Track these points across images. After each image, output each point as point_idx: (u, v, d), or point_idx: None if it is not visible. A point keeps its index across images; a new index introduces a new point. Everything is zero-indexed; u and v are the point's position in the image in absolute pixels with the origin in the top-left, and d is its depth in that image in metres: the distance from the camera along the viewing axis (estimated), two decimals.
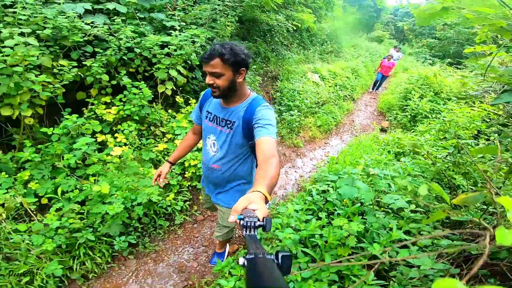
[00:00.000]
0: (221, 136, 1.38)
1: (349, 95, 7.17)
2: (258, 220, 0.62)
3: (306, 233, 1.79)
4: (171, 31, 3.09)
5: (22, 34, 1.94)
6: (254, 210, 0.66)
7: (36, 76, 1.90)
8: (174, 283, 2.06)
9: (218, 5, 3.98)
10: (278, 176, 0.96)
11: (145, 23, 3.19)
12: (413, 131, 4.84)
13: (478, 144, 3.04)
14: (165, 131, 2.93)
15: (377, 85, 8.48)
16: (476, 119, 3.64)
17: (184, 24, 3.46)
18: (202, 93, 1.54)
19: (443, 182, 2.58)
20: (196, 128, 1.62)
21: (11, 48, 1.80)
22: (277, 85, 5.55)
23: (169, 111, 3.17)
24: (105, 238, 2.10)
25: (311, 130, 4.74)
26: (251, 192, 0.77)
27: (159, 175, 1.61)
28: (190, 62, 3.08)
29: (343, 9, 15.52)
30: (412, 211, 1.94)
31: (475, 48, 1.50)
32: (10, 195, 1.81)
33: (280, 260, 0.48)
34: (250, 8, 4.83)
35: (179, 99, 3.22)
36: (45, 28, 2.12)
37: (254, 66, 5.27)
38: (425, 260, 1.31)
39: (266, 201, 0.78)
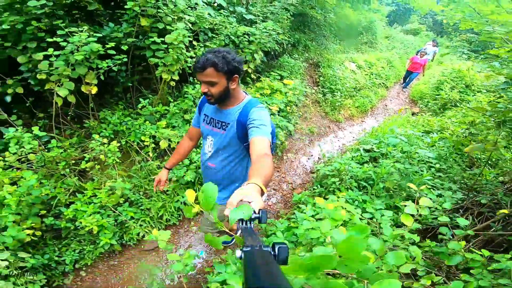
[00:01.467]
0: (216, 137, 1.45)
1: (383, 83, 7.80)
2: (254, 212, 0.62)
3: (361, 173, 2.67)
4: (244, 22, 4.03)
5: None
6: (249, 203, 0.66)
7: (186, 51, 2.93)
8: None
9: (279, 2, 4.87)
10: (272, 173, 0.97)
11: (229, 14, 4.16)
12: (442, 116, 5.50)
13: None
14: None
15: (407, 81, 7.93)
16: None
17: (258, 17, 4.39)
18: (201, 97, 1.60)
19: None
20: (192, 132, 1.69)
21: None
22: (319, 71, 6.36)
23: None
24: None
25: (350, 109, 5.57)
26: (247, 184, 0.78)
27: (158, 182, 1.70)
28: (266, 49, 4.03)
29: (379, 0, 15.58)
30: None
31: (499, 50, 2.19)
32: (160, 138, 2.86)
33: (277, 252, 0.48)
34: (301, 4, 5.66)
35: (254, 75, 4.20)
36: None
37: (296, 55, 6.11)
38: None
39: (262, 193, 0.78)
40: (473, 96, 6.19)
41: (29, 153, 2.10)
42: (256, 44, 3.86)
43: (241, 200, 0.67)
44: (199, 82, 1.06)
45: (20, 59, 2.16)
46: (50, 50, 2.07)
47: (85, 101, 2.60)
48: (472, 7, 2.15)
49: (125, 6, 2.41)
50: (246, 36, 3.77)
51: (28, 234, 1.82)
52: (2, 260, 1.65)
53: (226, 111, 1.38)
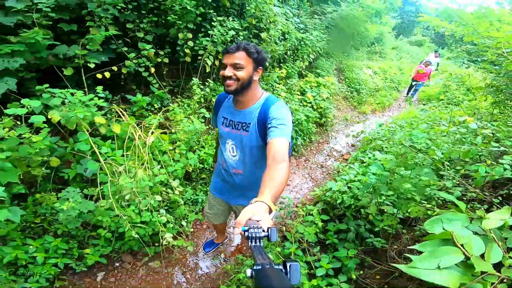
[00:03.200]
0: (238, 140, 1.37)
1: (395, 87, 9.02)
2: (263, 230, 0.62)
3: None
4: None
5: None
6: (258, 221, 0.66)
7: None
8: None
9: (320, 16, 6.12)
10: (286, 181, 0.94)
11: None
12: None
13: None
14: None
15: (412, 90, 7.99)
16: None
17: (305, 26, 5.62)
18: (215, 99, 1.55)
19: None
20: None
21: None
22: (344, 74, 7.58)
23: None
24: None
25: (372, 105, 6.76)
26: (255, 202, 0.78)
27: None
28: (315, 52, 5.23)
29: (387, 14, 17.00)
30: None
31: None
32: None
33: (288, 269, 0.48)
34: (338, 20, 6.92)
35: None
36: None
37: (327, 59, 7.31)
38: None
39: (270, 211, 0.77)
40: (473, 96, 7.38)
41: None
42: (310, 47, 5.08)
43: (249, 219, 0.67)
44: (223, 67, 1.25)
45: (181, 35, 2.92)
46: (200, 35, 3.01)
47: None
48: (471, 25, 3.33)
49: (247, 8, 3.55)
50: (303, 41, 4.99)
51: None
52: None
53: (245, 110, 1.33)
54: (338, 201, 2.33)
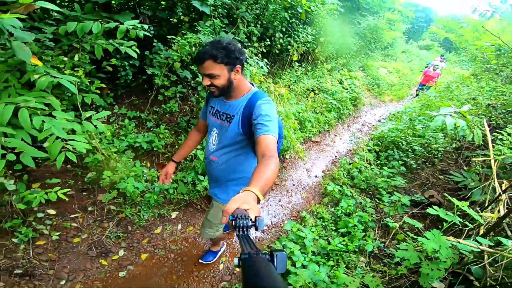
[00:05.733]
0: (221, 130, 1.40)
1: (407, 83, 10.74)
2: (251, 220, 0.62)
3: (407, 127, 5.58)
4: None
5: None
6: (246, 210, 0.67)
7: None
8: None
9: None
10: (275, 177, 0.94)
11: None
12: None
13: None
14: None
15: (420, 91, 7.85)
16: None
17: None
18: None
19: None
20: (200, 125, 1.65)
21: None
22: (366, 72, 9.32)
23: None
24: None
25: (389, 96, 8.51)
26: (243, 192, 0.78)
27: (165, 175, 1.65)
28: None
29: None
30: None
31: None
32: None
33: (275, 259, 0.49)
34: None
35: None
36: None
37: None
38: None
39: (258, 201, 0.77)
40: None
41: None
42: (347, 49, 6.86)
43: (237, 208, 0.68)
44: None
45: (277, 35, 5.05)
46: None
47: None
48: (463, 34, 5.09)
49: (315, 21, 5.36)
50: (343, 45, 6.77)
51: None
52: None
53: (231, 103, 1.34)
54: (385, 136, 4.12)
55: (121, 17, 2.66)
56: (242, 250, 0.50)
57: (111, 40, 2.07)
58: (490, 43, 4.76)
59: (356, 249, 2.17)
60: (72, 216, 2.30)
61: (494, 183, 1.59)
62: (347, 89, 6.39)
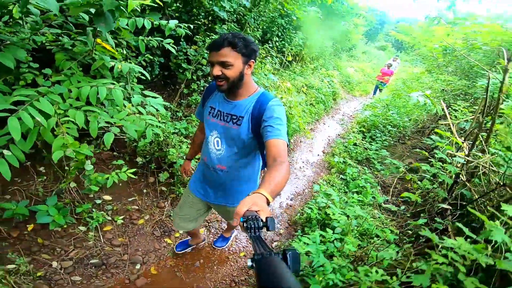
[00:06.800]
0: (225, 133, 1.28)
1: (372, 81, 12.18)
2: (261, 221, 0.63)
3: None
4: None
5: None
6: (256, 211, 0.68)
7: None
8: None
9: None
10: (285, 183, 0.93)
11: None
12: None
13: None
14: None
15: (378, 91, 9.36)
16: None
17: None
18: (206, 87, 1.44)
19: None
20: (202, 125, 1.54)
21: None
22: (338, 71, 10.48)
23: None
24: None
25: (359, 91, 9.73)
26: (253, 194, 0.77)
27: (185, 172, 1.81)
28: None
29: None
30: None
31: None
32: None
33: (289, 258, 0.49)
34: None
35: None
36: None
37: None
38: None
39: (268, 203, 0.77)
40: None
41: None
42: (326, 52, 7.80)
43: (247, 210, 0.68)
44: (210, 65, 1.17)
45: (274, 38, 5.77)
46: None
47: None
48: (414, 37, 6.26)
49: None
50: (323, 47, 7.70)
51: None
52: None
53: (237, 102, 1.24)
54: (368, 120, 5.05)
55: (151, 15, 3.01)
56: (255, 251, 0.50)
57: (150, 38, 2.20)
58: (438, 44, 5.96)
59: (371, 202, 2.92)
60: (130, 199, 2.42)
61: (456, 139, 2.42)
62: (327, 85, 7.32)
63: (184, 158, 1.81)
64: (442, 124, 3.57)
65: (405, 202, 2.83)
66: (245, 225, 0.62)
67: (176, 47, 2.37)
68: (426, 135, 4.53)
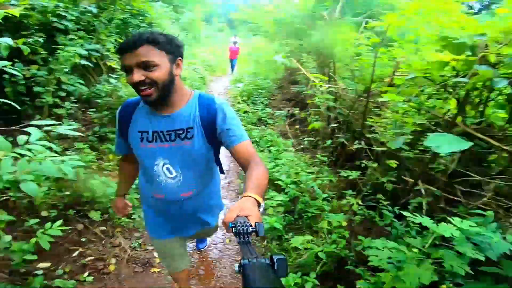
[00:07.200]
0: (175, 154, 1.05)
1: (224, 60, 13.31)
2: (251, 226, 0.62)
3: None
4: None
5: None
6: (247, 216, 0.66)
7: None
8: None
9: None
10: (267, 181, 0.90)
11: None
12: None
13: None
14: None
15: (233, 68, 10.60)
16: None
17: None
18: (116, 113, 1.12)
19: None
20: (129, 157, 1.22)
21: None
22: (197, 58, 10.79)
23: None
24: None
25: (219, 72, 10.58)
26: (242, 198, 0.75)
27: (118, 210, 1.41)
28: None
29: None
30: None
31: None
32: None
33: (275, 264, 0.49)
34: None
35: None
36: None
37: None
38: None
39: (259, 205, 0.75)
40: None
41: None
42: None
43: (237, 216, 0.65)
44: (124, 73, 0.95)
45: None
46: None
47: None
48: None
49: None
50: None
51: None
52: None
53: (176, 113, 1.01)
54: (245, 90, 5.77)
55: None
56: (242, 256, 0.50)
57: None
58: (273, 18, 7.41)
59: (285, 148, 3.57)
60: (74, 254, 2.04)
61: (314, 77, 3.42)
62: (195, 73, 7.59)
63: (115, 195, 1.44)
64: (300, 74, 4.67)
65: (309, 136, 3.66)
66: (234, 230, 0.60)
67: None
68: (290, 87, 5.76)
